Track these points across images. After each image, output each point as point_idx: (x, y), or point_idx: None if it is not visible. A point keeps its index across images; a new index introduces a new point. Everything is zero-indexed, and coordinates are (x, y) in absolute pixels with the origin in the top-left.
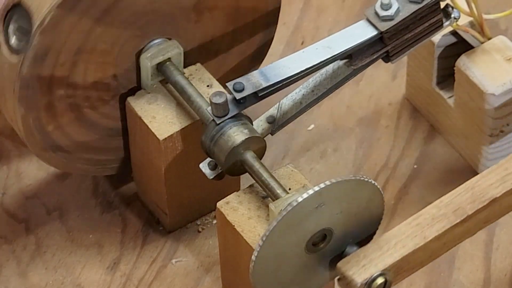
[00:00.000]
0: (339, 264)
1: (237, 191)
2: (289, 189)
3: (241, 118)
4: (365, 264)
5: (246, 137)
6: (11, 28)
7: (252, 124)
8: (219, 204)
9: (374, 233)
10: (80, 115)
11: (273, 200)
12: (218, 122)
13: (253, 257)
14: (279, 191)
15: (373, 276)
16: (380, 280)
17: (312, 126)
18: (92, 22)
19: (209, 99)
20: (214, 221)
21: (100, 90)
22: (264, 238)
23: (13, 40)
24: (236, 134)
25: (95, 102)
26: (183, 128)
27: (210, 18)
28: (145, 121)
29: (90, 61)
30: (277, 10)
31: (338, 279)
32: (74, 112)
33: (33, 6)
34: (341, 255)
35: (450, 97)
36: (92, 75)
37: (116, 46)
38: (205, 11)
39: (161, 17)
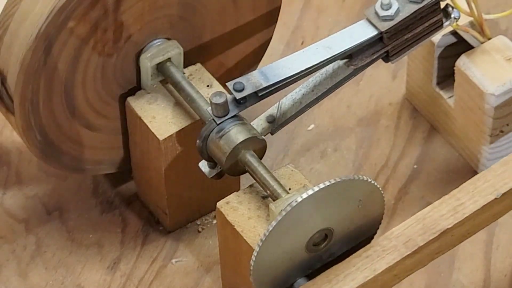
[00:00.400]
0: None
1: (237, 191)
2: (289, 189)
3: (241, 118)
4: None
5: (246, 137)
6: None
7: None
8: (219, 204)
9: (375, 232)
10: (79, 52)
11: (273, 200)
12: (218, 122)
13: (253, 257)
14: (279, 191)
15: None
16: None
17: (312, 126)
18: None
19: (209, 99)
20: (214, 221)
21: (114, 35)
22: (264, 238)
23: None
24: (237, 134)
25: (101, 41)
26: (183, 128)
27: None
28: (145, 121)
29: (142, 2)
30: (277, 9)
31: None
32: (88, 33)
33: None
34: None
35: (450, 97)
36: (128, 16)
37: (158, 13)
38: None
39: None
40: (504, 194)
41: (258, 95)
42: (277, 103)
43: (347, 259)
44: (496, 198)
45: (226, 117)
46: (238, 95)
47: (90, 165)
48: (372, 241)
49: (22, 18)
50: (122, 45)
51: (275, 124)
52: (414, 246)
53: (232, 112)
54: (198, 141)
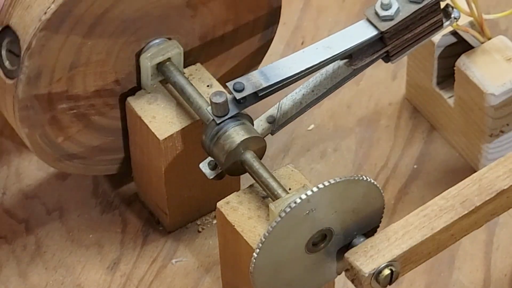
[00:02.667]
0: (347, 254)
1: (237, 191)
2: (289, 189)
3: (241, 118)
4: (372, 254)
5: (246, 137)
6: (3, 52)
7: (253, 123)
8: (219, 204)
9: (375, 232)
10: (89, 123)
11: (273, 200)
12: (218, 122)
13: (253, 257)
14: (279, 191)
15: (380, 267)
16: (387, 272)
17: (312, 126)
18: (81, 38)
19: (209, 99)
20: (214, 221)
21: (104, 96)
22: (264, 238)
23: (6, 64)
24: (236, 134)
25: (102, 108)
26: (183, 128)
27: (207, 13)
28: (145, 121)
29: (87, 72)
30: (278, 9)
31: (346, 270)
32: (82, 121)
33: (20, 29)
34: (348, 246)
35: (450, 97)
36: (93, 85)
37: (112, 54)
38: (199, 6)
39: (155, 19)
40: None
41: (258, 95)
42: (277, 104)
43: (404, 217)
44: None
45: (226, 117)
46: (238, 95)
47: (113, 164)
48: (430, 201)
49: None
50: (119, 89)
51: (275, 124)
52: (471, 206)
53: (232, 111)
54: (204, 137)
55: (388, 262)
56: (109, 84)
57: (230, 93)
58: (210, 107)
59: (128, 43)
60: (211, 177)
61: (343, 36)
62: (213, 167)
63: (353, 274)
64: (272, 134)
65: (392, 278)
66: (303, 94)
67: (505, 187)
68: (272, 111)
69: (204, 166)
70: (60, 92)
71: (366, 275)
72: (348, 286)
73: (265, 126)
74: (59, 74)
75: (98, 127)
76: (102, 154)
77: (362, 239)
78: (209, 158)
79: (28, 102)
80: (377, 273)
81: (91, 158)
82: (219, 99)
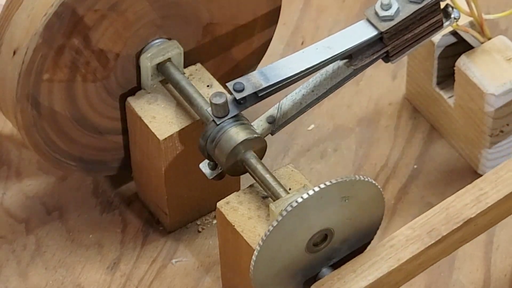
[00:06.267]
0: (313, 287)
1: (237, 191)
2: (289, 189)
3: (241, 119)
4: (339, 287)
5: (247, 137)
6: None
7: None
8: (219, 204)
9: (376, 232)
10: (71, 86)
11: (274, 200)
12: (218, 123)
13: (253, 257)
14: (279, 191)
15: None
16: None
17: (312, 126)
18: None
19: (209, 99)
20: (214, 221)
21: (100, 62)
22: (264, 238)
23: None
24: (237, 135)
25: (89, 73)
26: (183, 128)
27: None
28: (145, 121)
29: (114, 24)
30: (278, 9)
31: None
32: (69, 73)
33: None
34: (315, 277)
35: (450, 97)
36: (105, 41)
37: (138, 24)
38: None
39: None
40: None
41: (258, 96)
42: (277, 104)
43: (372, 248)
44: None
45: (226, 118)
46: (238, 96)
47: (90, 164)
48: (397, 231)
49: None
50: (113, 64)
51: (276, 124)
52: (438, 235)
53: (232, 112)
54: (201, 140)
55: None
56: (112, 53)
57: (230, 93)
58: (210, 108)
59: (151, 24)
60: (211, 177)
61: (343, 36)
62: (213, 167)
63: None
64: (272, 134)
65: None
66: (303, 95)
67: (472, 216)
68: (272, 111)
69: (204, 166)
70: (86, 25)
71: None
72: None
73: (265, 126)
74: (101, 5)
75: (72, 99)
76: (100, 154)
77: (329, 270)
78: None
79: (64, 12)
80: None
81: (90, 158)
82: (219, 100)
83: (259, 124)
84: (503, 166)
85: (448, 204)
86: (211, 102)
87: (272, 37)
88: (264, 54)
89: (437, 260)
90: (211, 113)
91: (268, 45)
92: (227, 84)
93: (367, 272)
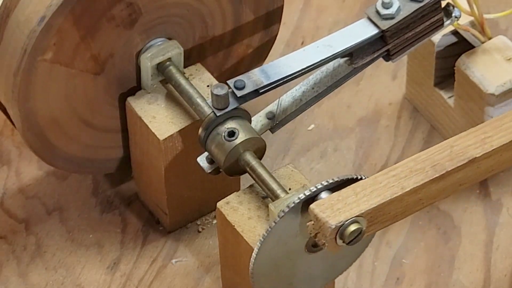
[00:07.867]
0: (312, 205)
1: (237, 191)
2: (289, 189)
3: (241, 115)
4: (339, 208)
5: (246, 138)
6: None
7: (251, 120)
8: (219, 204)
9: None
10: (69, 86)
11: (273, 200)
12: (218, 115)
13: (253, 257)
14: (279, 191)
15: (347, 221)
16: (352, 228)
17: (312, 126)
18: None
19: (210, 90)
20: (214, 221)
21: (100, 61)
22: (264, 238)
23: None
24: (236, 135)
25: (88, 71)
26: (183, 128)
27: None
28: (145, 121)
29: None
30: (280, 9)
31: (310, 222)
32: (70, 63)
33: None
34: (314, 198)
35: (450, 97)
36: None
37: (138, 23)
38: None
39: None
40: None
41: (259, 92)
42: (277, 100)
43: (372, 176)
44: None
45: (226, 110)
46: (239, 93)
47: (90, 164)
48: (398, 163)
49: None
50: (113, 64)
51: (275, 120)
52: (442, 170)
53: (232, 105)
54: (200, 129)
55: (355, 217)
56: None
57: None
58: (210, 99)
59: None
60: (209, 171)
61: (344, 35)
62: (210, 161)
63: (317, 227)
64: (271, 131)
65: (356, 237)
66: (303, 91)
67: (477, 155)
68: (272, 107)
69: (202, 160)
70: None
71: (332, 227)
72: (348, 286)
73: (264, 122)
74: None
75: (96, 125)
76: (100, 153)
77: (328, 194)
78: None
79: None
80: (343, 228)
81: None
82: (220, 91)
83: (258, 120)
84: (508, 114)
85: (452, 143)
86: (212, 93)
87: (276, 37)
88: (267, 55)
89: (436, 200)
90: (211, 104)
91: (272, 45)
92: (228, 81)
93: (368, 196)
